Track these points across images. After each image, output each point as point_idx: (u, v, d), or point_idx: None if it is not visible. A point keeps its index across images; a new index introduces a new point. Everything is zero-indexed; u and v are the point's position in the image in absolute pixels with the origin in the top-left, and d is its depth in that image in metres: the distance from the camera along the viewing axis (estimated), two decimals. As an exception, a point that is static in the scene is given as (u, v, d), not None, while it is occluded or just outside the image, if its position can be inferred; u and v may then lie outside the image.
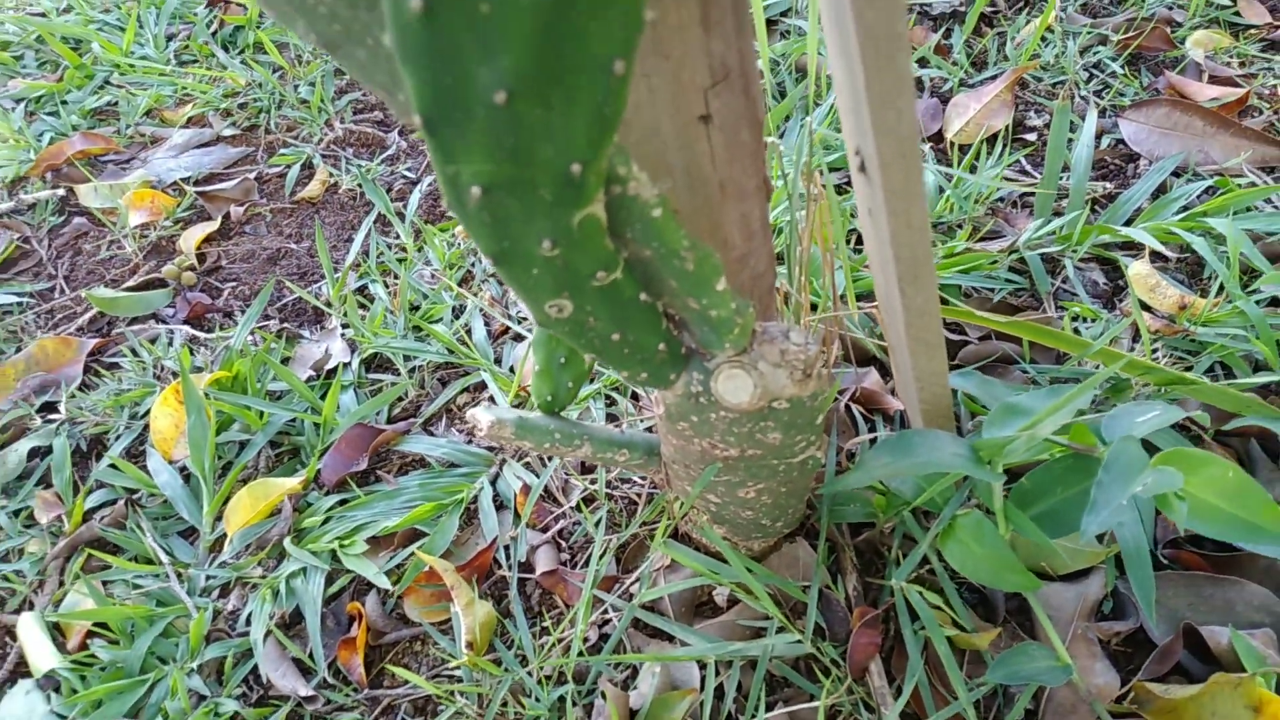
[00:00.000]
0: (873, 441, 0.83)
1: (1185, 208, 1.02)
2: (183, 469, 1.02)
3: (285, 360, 1.10)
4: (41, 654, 0.89)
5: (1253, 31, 1.21)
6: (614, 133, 0.44)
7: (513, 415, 0.71)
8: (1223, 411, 0.84)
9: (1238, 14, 1.23)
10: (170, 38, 1.63)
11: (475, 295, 1.11)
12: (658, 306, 0.58)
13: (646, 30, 0.46)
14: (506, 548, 0.88)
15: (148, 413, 1.08)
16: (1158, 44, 1.21)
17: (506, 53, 0.38)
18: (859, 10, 0.44)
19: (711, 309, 0.57)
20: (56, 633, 0.92)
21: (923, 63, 1.26)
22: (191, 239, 1.27)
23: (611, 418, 0.95)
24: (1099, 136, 1.13)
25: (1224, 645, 0.70)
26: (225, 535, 0.94)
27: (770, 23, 1.39)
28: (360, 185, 1.31)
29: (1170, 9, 1.26)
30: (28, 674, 0.90)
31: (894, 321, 0.66)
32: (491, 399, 1.01)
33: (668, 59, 0.47)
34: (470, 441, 0.98)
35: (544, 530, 0.88)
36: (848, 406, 0.88)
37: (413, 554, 0.87)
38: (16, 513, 1.03)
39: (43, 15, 1.74)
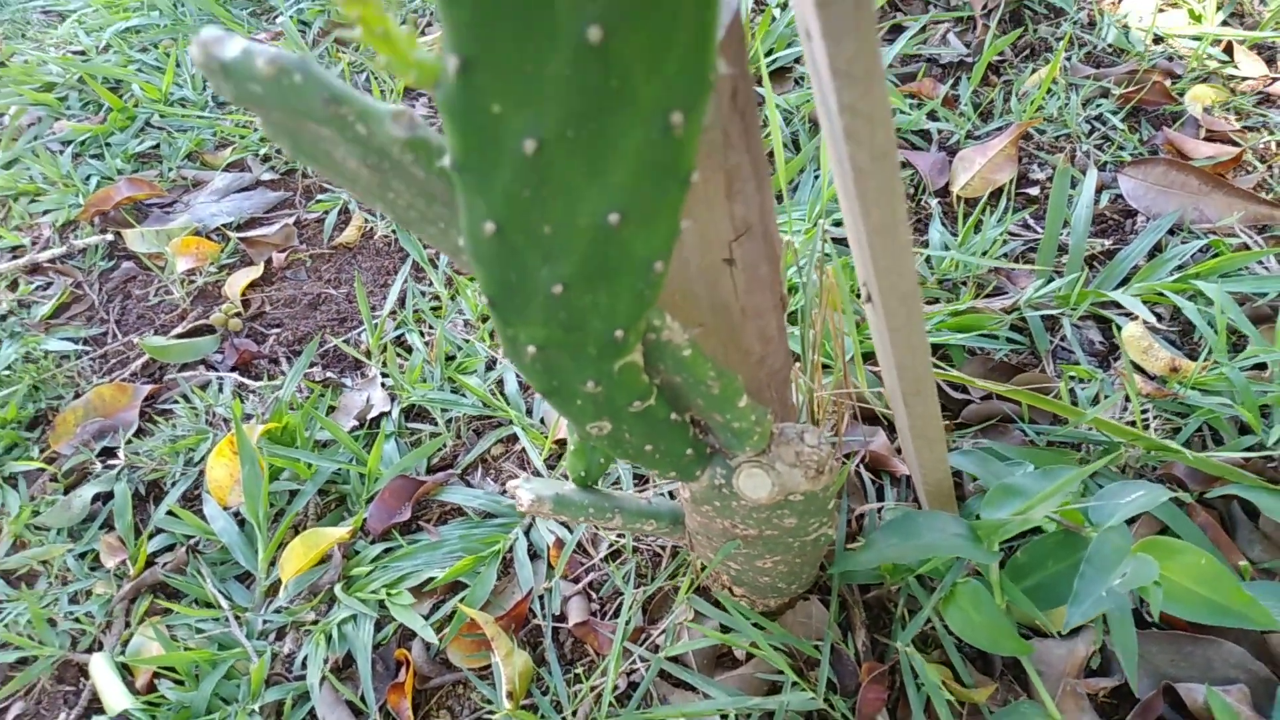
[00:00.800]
0: (881, 509, 0.90)
1: (1180, 267, 1.08)
2: (237, 514, 1.10)
3: (330, 410, 1.17)
4: (114, 694, 0.97)
5: (1249, 84, 1.26)
6: (652, 306, 0.51)
7: (550, 493, 0.78)
8: (1207, 475, 0.90)
9: (1235, 67, 1.28)
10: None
11: (506, 347, 1.18)
12: (686, 421, 0.65)
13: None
14: (541, 597, 0.95)
15: (203, 459, 1.16)
16: (1157, 98, 1.26)
17: (564, 261, 0.45)
18: (864, 199, 0.50)
19: (734, 421, 0.64)
20: (125, 672, 1.00)
21: (931, 116, 1.31)
22: (236, 285, 1.34)
23: (639, 478, 1.01)
24: (1100, 191, 1.18)
25: (1200, 703, 0.77)
26: (279, 581, 1.02)
27: (784, 70, 1.44)
28: (395, 231, 1.37)
29: (1170, 60, 1.31)
30: (101, 710, 0.98)
31: (899, 417, 0.72)
32: (524, 454, 1.08)
33: (696, 220, 0.54)
34: (504, 492, 1.05)
35: (575, 581, 0.95)
36: (858, 470, 0.95)
37: (455, 607, 0.94)
38: (83, 555, 1.11)
39: (83, 54, 1.81)
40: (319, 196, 1.46)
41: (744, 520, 0.73)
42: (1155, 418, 0.96)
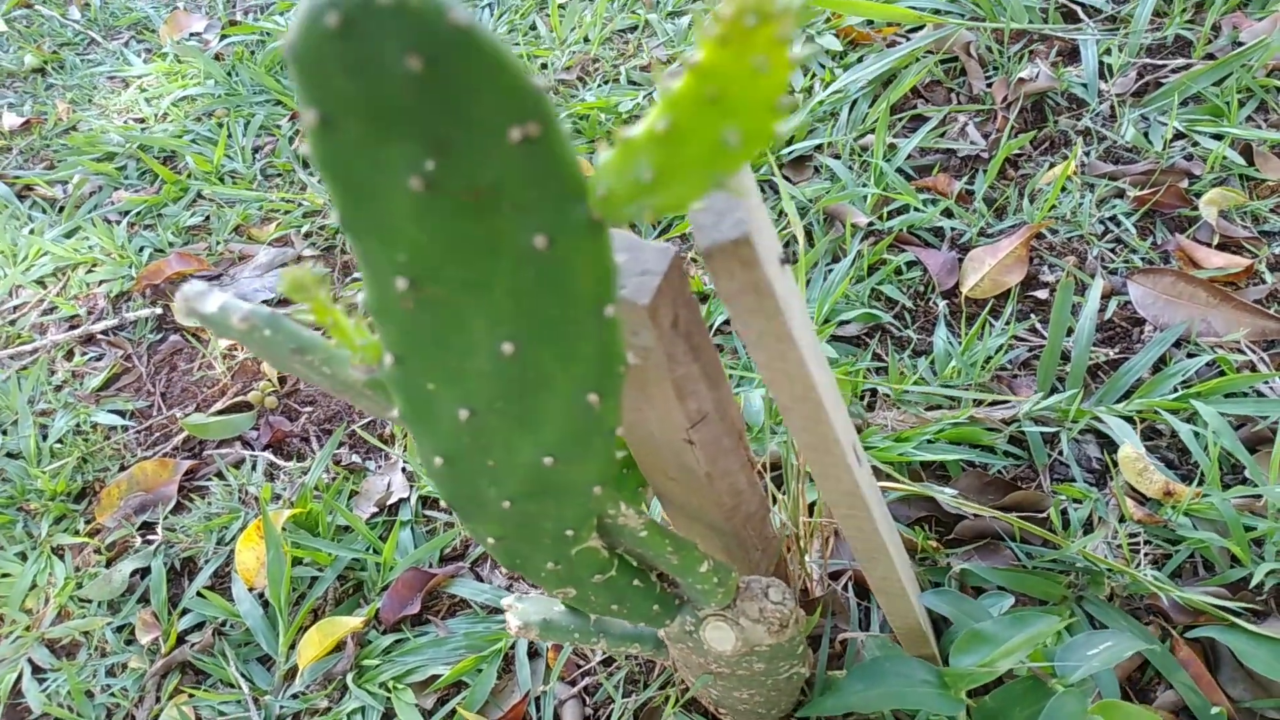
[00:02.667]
0: (862, 641, 0.92)
1: (1185, 383, 1.08)
2: (262, 595, 1.16)
3: (353, 494, 1.23)
4: (142, 772, 1.04)
5: (1268, 186, 1.26)
6: (599, 512, 0.55)
7: (538, 618, 0.82)
8: (1194, 609, 0.91)
9: (1255, 169, 1.28)
10: (256, 150, 1.78)
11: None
12: (652, 581, 0.68)
13: (629, 389, 0.57)
14: (538, 699, 0.99)
15: (234, 538, 1.23)
16: (1173, 200, 1.26)
17: (509, 485, 0.49)
18: (792, 427, 0.53)
19: (697, 584, 0.67)
20: (154, 748, 1.06)
21: (947, 214, 1.33)
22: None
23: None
24: (1109, 297, 1.19)
25: None
26: (297, 666, 1.08)
27: (803, 159, 1.47)
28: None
29: (1189, 159, 1.31)
30: (130, 785, 1.05)
31: (862, 567, 0.75)
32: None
33: (653, 408, 0.57)
34: (509, 587, 1.10)
35: (572, 684, 0.99)
36: (845, 588, 0.97)
37: (454, 709, 0.99)
38: (120, 629, 1.19)
39: (142, 122, 1.91)
40: (355, 274, 1.53)
41: (715, 661, 0.76)
42: (1146, 544, 0.97)
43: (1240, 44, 1.43)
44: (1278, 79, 1.36)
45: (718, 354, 0.58)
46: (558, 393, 0.42)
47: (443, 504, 1.18)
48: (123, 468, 1.35)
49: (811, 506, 0.96)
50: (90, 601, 1.22)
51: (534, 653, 1.03)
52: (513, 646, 1.04)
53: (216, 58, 2.02)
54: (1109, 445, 1.06)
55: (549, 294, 0.36)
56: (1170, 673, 0.87)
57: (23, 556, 1.28)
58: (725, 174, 0.30)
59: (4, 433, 1.42)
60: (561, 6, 1.90)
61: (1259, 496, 0.97)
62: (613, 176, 0.31)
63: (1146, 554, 0.96)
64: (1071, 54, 1.51)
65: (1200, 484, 0.99)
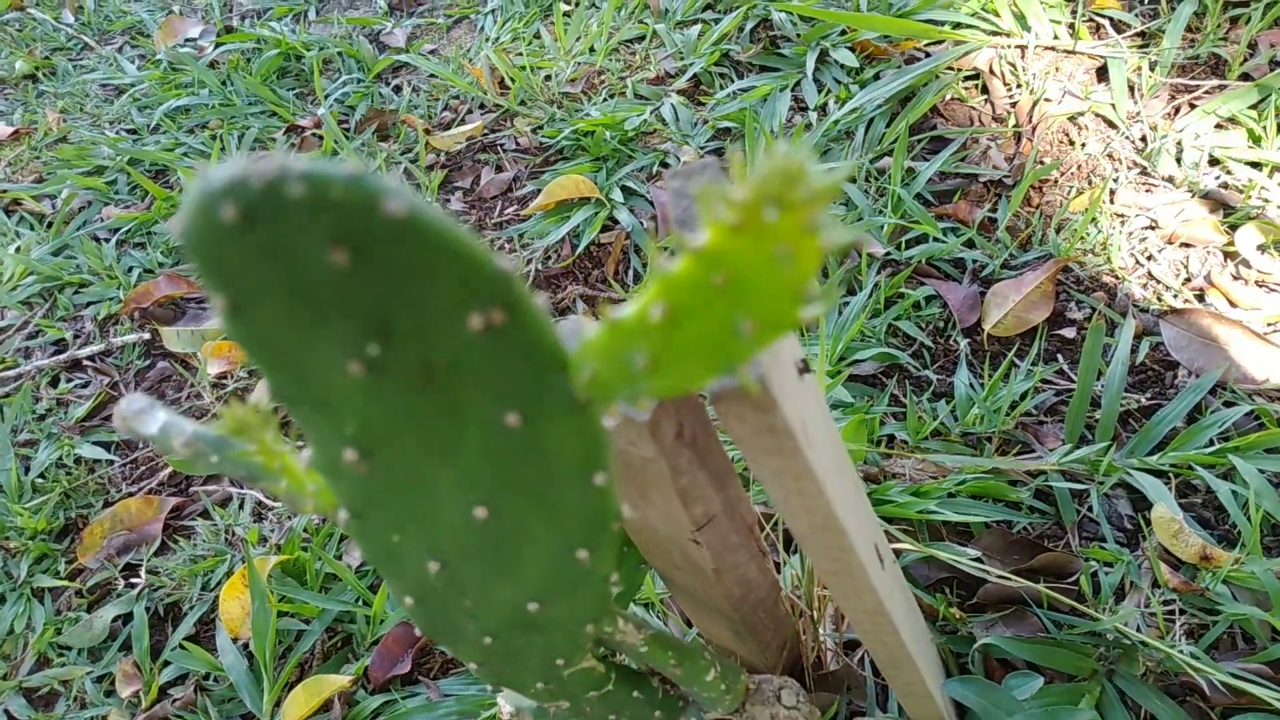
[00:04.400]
0: (883, 712, 0.86)
1: (1223, 435, 1.02)
2: (246, 646, 1.11)
3: (341, 539, 1.17)
4: (118, 839, 0.99)
5: (1309, 218, 1.19)
6: (592, 640, 0.49)
7: (530, 704, 0.76)
8: (1234, 690, 0.85)
9: (1295, 199, 1.21)
10: (250, 165, 1.72)
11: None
12: (653, 688, 0.63)
13: (630, 490, 0.51)
14: (534, 771, 0.94)
15: (219, 583, 1.17)
16: (1208, 233, 1.20)
17: (489, 621, 0.43)
18: (811, 555, 0.47)
19: (703, 692, 0.62)
20: (132, 811, 1.01)
21: (968, 244, 1.27)
22: (264, 393, 1.36)
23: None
24: (1141, 337, 1.13)
25: None
26: (282, 726, 1.02)
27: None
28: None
29: (1225, 188, 1.24)
30: None
31: (884, 674, 0.69)
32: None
33: (657, 510, 0.51)
34: (508, 644, 1.04)
35: (570, 755, 0.94)
36: (860, 662, 0.91)
37: (447, 778, 0.94)
38: (100, 679, 1.14)
39: (134, 133, 1.86)
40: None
41: (722, 762, 0.70)
42: (1182, 613, 0.91)
43: (1278, 63, 1.36)
44: (1318, 103, 1.29)
45: (726, 454, 0.52)
46: (541, 546, 0.36)
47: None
48: (107, 504, 1.30)
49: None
50: (70, 648, 1.17)
51: None
52: None
53: (211, 65, 1.96)
54: (1141, 501, 1.00)
55: (525, 466, 0.30)
56: (1210, 761, 0.82)
57: (1, 599, 1.23)
58: (735, 363, 0.24)
59: (-15, 465, 1.37)
60: (567, 15, 1.83)
61: (1304, 563, 0.91)
62: (599, 360, 0.25)
63: (1182, 625, 0.90)
64: (1100, 72, 1.44)
65: (1240, 549, 0.93)
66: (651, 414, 0.42)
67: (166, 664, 1.12)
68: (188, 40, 2.07)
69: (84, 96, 2.00)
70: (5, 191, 1.76)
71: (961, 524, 1.01)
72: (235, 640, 1.11)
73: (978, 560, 0.93)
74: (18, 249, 1.64)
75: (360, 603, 1.09)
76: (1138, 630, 0.88)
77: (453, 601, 0.42)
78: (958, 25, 1.51)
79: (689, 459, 0.48)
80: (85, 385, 1.45)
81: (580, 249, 1.42)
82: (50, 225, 1.70)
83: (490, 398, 0.27)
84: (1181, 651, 0.85)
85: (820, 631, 0.89)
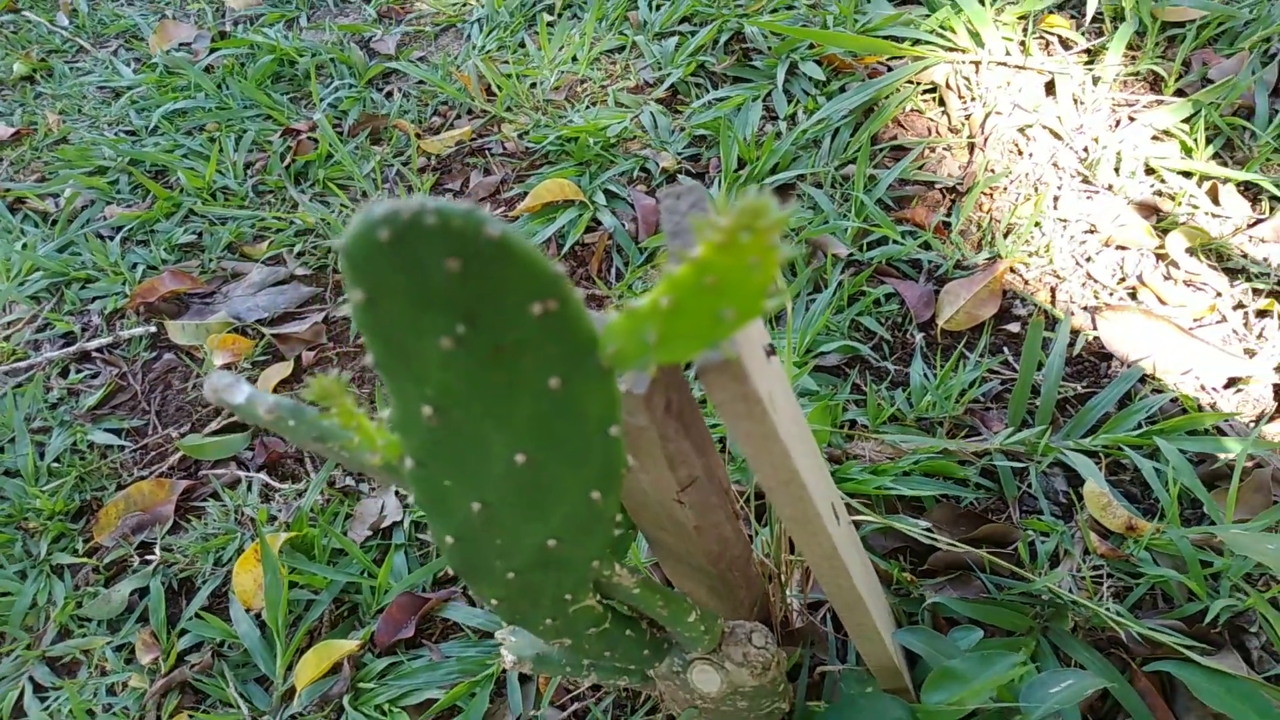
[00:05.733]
0: (840, 671, 0.97)
1: (1150, 419, 1.14)
2: (258, 616, 1.19)
3: (348, 515, 1.27)
4: (144, 791, 1.07)
5: (1232, 223, 1.31)
6: (594, 579, 0.59)
7: (531, 653, 0.86)
8: (1152, 642, 0.96)
9: (1219, 206, 1.33)
10: (248, 166, 1.81)
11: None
12: (643, 629, 0.73)
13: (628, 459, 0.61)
14: (529, 724, 1.04)
15: (230, 559, 1.26)
16: (1142, 237, 1.31)
17: (514, 560, 0.53)
18: (776, 506, 0.57)
19: (686, 633, 0.72)
20: (155, 766, 1.10)
21: (924, 246, 1.38)
22: (269, 382, 1.44)
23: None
24: (1078, 332, 1.24)
25: None
26: (294, 687, 1.11)
27: (788, 187, 1.51)
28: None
29: (1158, 195, 1.36)
30: (132, 803, 1.09)
31: (840, 615, 0.79)
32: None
33: (647, 473, 0.61)
34: (503, 611, 1.14)
35: (562, 709, 1.04)
36: (823, 620, 1.02)
37: (450, 730, 1.04)
38: (120, 648, 1.22)
39: (133, 134, 1.93)
40: (346, 296, 1.55)
41: (700, 699, 0.80)
42: (1109, 576, 1.02)
43: (1209, 80, 1.48)
44: (1243, 118, 1.41)
45: (706, 427, 0.62)
46: (564, 491, 0.46)
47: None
48: (119, 487, 1.38)
49: (791, 544, 1.00)
50: (90, 620, 1.25)
51: (525, 679, 1.07)
52: (504, 672, 1.08)
53: (207, 70, 2.03)
54: (1075, 479, 1.12)
55: (561, 420, 0.40)
56: (1129, 704, 0.93)
57: (22, 575, 1.30)
58: (719, 340, 0.34)
59: (1, 450, 1.44)
60: (550, 25, 1.93)
61: (1215, 533, 1.02)
62: (620, 338, 0.35)
63: (1109, 587, 1.01)
64: (1049, 86, 1.55)
65: (1161, 519, 1.05)
66: (646, 389, 0.52)
67: (183, 633, 1.21)
68: (182, 45, 2.14)
69: (81, 98, 2.07)
70: (9, 190, 1.83)
71: (914, 499, 1.12)
72: (248, 610, 1.19)
73: (929, 530, 1.04)
74: (24, 245, 1.71)
75: (365, 575, 1.19)
76: (1069, 592, 0.99)
77: (486, 541, 0.52)
78: (917, 42, 1.62)
79: (676, 428, 0.58)
80: (95, 376, 1.53)
81: (566, 249, 1.51)
82: (54, 223, 1.77)
83: (540, 367, 0.36)
84: (1108, 610, 0.97)
85: (787, 593, 0.99)
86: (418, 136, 1.75)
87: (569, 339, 0.35)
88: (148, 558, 1.29)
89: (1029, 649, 0.98)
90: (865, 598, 0.72)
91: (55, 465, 1.40)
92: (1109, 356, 1.22)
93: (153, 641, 1.21)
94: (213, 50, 2.08)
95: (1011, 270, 1.32)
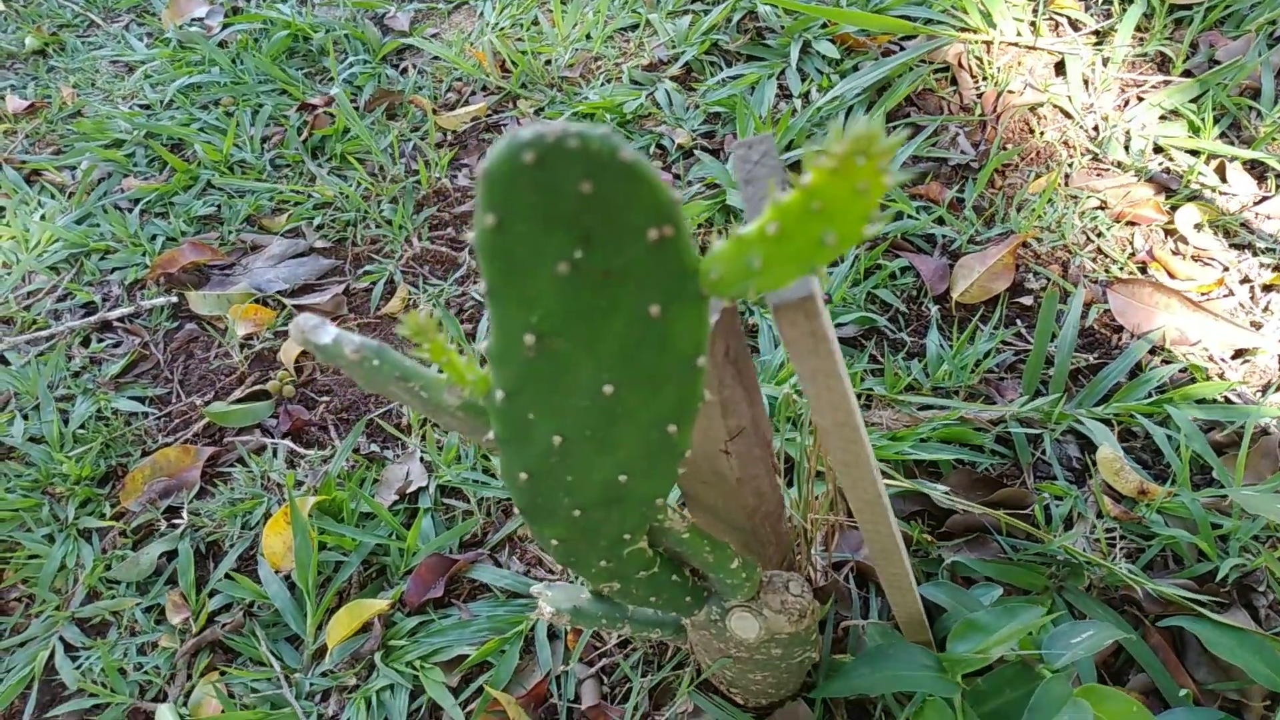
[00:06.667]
0: (864, 626, 1.00)
1: (1160, 388, 1.17)
2: (288, 578, 1.22)
3: (375, 481, 1.29)
4: (180, 745, 1.10)
5: (1239, 201, 1.34)
6: (652, 520, 0.62)
7: (569, 605, 0.89)
8: (1164, 600, 0.99)
9: (1226, 183, 1.36)
10: (265, 140, 1.82)
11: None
12: (687, 575, 0.75)
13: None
14: (559, 679, 1.06)
15: (258, 522, 1.28)
16: (1151, 213, 1.34)
17: (582, 496, 0.56)
18: (828, 446, 0.60)
19: (727, 579, 0.74)
20: (189, 722, 1.12)
21: (939, 221, 1.40)
22: (291, 353, 1.46)
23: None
24: (1090, 305, 1.27)
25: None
26: (326, 645, 1.14)
27: (797, 164, 1.53)
28: (435, 306, 1.49)
29: (1167, 173, 1.39)
30: (166, 757, 1.11)
31: (874, 563, 0.82)
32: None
33: (698, 423, 0.64)
34: (528, 573, 1.17)
35: (590, 665, 1.07)
36: (846, 579, 1.05)
37: (480, 685, 1.06)
38: (149, 609, 1.24)
39: (148, 108, 1.94)
40: (367, 267, 1.58)
41: (736, 647, 0.83)
42: (1122, 538, 1.05)
43: (1216, 62, 1.51)
44: (1249, 98, 1.44)
45: (756, 376, 0.65)
46: (643, 423, 0.49)
47: (469, 495, 1.24)
48: (145, 453, 1.40)
49: (820, 475, 1.03)
50: (119, 583, 1.27)
51: (553, 635, 1.10)
52: (533, 629, 1.11)
53: (221, 45, 2.04)
54: (1088, 446, 1.15)
55: (652, 350, 0.42)
56: (1142, 658, 0.96)
57: (50, 539, 1.32)
58: (820, 264, 0.36)
59: (25, 417, 1.46)
60: (564, 2, 1.94)
61: (1225, 496, 1.06)
62: (724, 264, 0.37)
63: (1122, 548, 1.04)
64: (1059, 67, 1.58)
65: (1172, 484, 1.08)
66: (709, 336, 0.55)
67: (213, 594, 1.23)
68: (195, 20, 2.15)
69: (94, 72, 2.08)
70: (25, 162, 1.84)
71: (932, 465, 1.15)
72: (277, 572, 1.22)
73: (947, 494, 1.07)
74: (42, 217, 1.72)
75: (394, 537, 1.21)
76: (1084, 553, 1.03)
77: (559, 477, 0.54)
78: (929, 21, 1.64)
79: (732, 375, 0.61)
80: (117, 345, 1.55)
81: (584, 222, 1.53)
82: (71, 195, 1.78)
83: (642, 294, 0.39)
84: (1121, 569, 1.00)
85: (812, 552, 1.02)
86: (434, 113, 1.77)
87: (675, 265, 0.37)
88: (175, 522, 1.31)
89: (1047, 608, 1.02)
90: (900, 547, 0.75)
91: (80, 432, 1.42)
92: (1120, 329, 1.25)
93: (182, 602, 1.23)
94: (226, 25, 2.09)
95: (1024, 245, 1.35)
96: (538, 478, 0.54)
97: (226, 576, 1.23)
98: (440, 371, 0.51)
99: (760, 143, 0.51)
